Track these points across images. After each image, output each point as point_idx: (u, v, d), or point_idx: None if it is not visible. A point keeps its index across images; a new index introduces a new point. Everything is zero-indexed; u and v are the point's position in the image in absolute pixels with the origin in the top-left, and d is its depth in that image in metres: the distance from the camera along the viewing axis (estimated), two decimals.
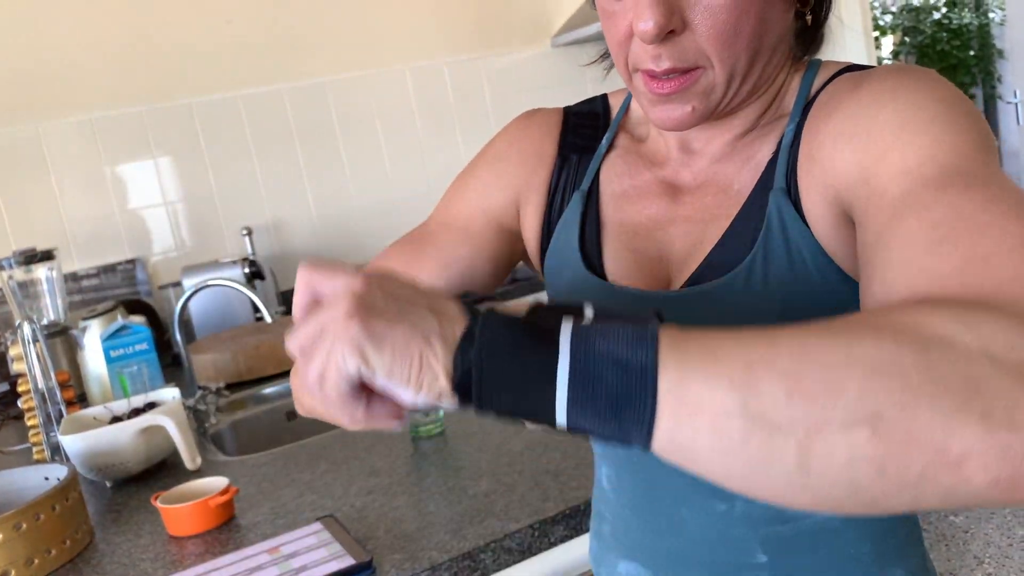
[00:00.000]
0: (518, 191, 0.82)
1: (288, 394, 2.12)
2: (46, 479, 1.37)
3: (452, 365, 0.43)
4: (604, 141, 0.82)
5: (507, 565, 1.06)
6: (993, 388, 0.38)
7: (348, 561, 1.04)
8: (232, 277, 2.51)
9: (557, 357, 0.42)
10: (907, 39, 6.62)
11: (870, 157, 0.58)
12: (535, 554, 1.07)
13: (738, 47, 0.64)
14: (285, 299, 2.99)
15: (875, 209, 0.56)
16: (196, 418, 1.86)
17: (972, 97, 6.52)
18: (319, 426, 1.98)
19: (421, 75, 3.30)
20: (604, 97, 0.87)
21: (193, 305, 2.60)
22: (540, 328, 0.43)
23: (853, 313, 0.44)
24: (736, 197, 0.71)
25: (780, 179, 0.67)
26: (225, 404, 1.99)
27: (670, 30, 0.63)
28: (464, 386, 0.43)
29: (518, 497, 1.16)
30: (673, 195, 0.76)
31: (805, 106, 0.69)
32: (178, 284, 2.64)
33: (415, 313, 0.44)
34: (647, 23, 0.62)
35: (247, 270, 2.58)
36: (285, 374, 2.19)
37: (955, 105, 0.58)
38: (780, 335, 0.41)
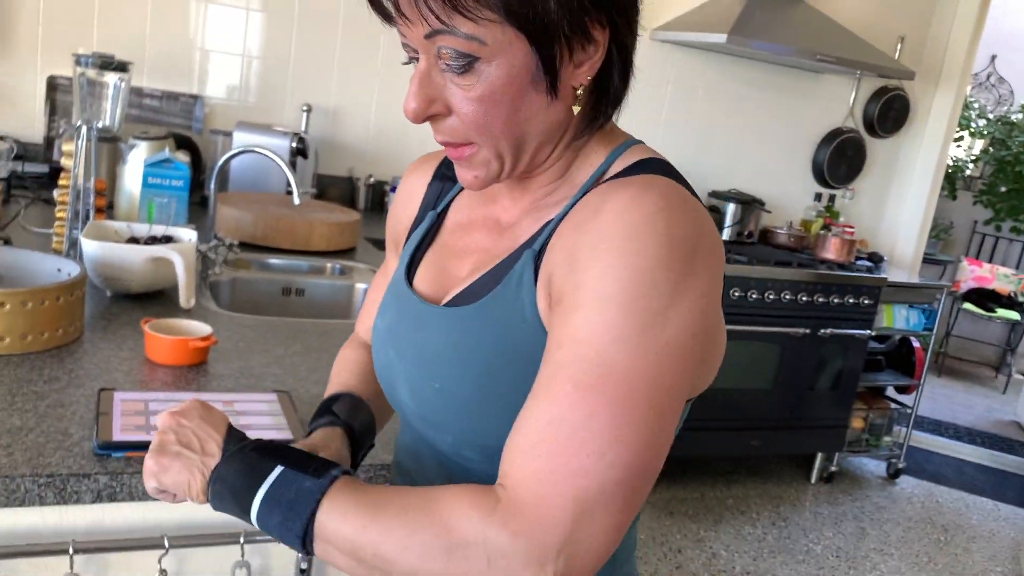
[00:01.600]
0: (400, 222, 1.02)
1: (289, 271, 2.26)
2: (59, 271, 1.52)
3: (205, 487, 0.78)
4: None
5: None
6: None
7: (287, 436, 1.18)
8: (279, 147, 2.64)
9: (256, 492, 0.74)
10: (991, 149, 6.60)
11: (568, 304, 0.71)
12: None
13: (495, 132, 0.75)
14: (320, 182, 3.12)
15: (548, 348, 0.71)
16: (203, 263, 2.00)
17: None
18: (307, 311, 2.12)
19: None
20: None
21: (236, 160, 2.73)
22: (255, 470, 0.76)
23: (434, 511, 0.68)
24: (514, 244, 0.84)
25: (539, 243, 0.79)
26: (233, 259, 2.14)
27: (435, 113, 0.76)
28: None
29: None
30: (493, 231, 0.88)
31: (590, 187, 0.79)
32: (228, 134, 2.77)
33: (187, 455, 0.79)
34: (407, 106, 0.75)
35: (295, 145, 2.70)
36: (295, 252, 2.33)
37: (664, 300, 0.68)
38: (381, 518, 0.69)
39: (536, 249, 0.79)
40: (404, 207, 1.01)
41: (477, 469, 0.83)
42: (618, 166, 0.81)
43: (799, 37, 3.55)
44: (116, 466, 1.05)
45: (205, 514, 1.12)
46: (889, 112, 4.30)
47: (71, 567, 1.03)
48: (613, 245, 0.69)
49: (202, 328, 1.46)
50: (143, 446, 1.09)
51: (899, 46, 4.20)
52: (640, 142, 0.85)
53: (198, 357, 1.42)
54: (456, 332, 0.81)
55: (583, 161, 0.83)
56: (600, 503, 0.65)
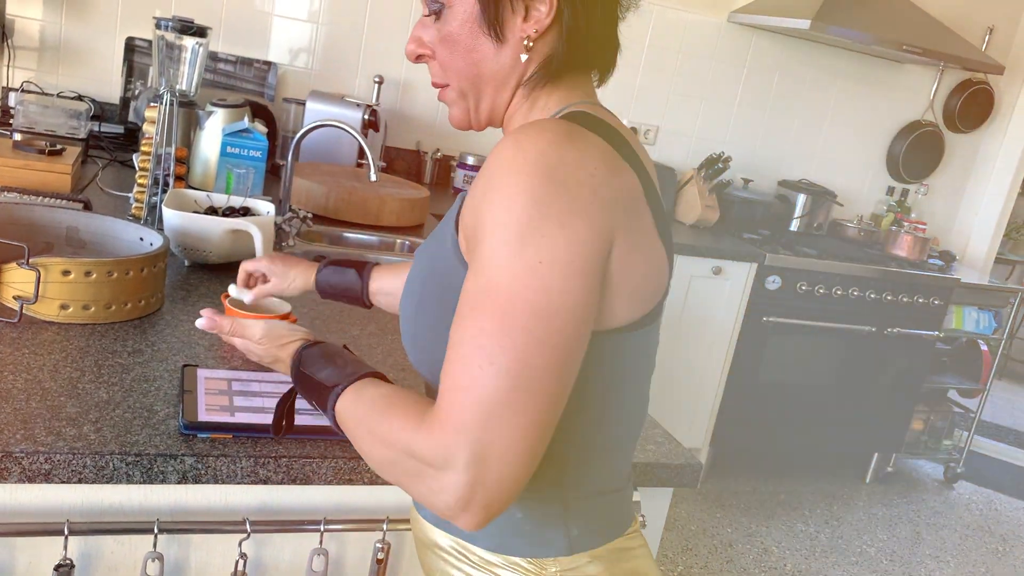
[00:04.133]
0: None
1: (360, 246, 2.25)
2: (141, 239, 1.52)
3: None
4: None
5: None
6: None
7: None
8: (352, 119, 2.62)
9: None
10: None
11: (472, 242, 0.81)
12: None
13: (457, 71, 0.90)
14: (387, 154, 3.10)
15: (465, 283, 0.79)
16: (277, 235, 2.00)
17: None
18: None
19: None
20: None
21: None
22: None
23: (398, 399, 0.83)
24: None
25: (470, 190, 0.87)
26: (305, 232, 2.13)
27: (425, 54, 0.92)
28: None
29: None
30: None
31: None
32: (302, 103, 2.76)
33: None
34: (407, 46, 0.93)
35: (367, 117, 2.69)
36: (365, 226, 2.32)
37: (533, 223, 0.75)
38: (370, 403, 0.85)
39: (464, 195, 0.87)
40: None
41: (432, 380, 0.92)
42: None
43: (884, 25, 3.42)
44: (202, 448, 1.04)
45: (286, 498, 1.12)
46: (972, 106, 4.15)
47: (154, 546, 1.04)
48: (491, 182, 0.78)
49: (281, 305, 1.45)
50: (228, 428, 1.08)
51: (987, 37, 4.04)
52: (597, 104, 0.91)
53: None
54: (413, 266, 0.95)
55: (526, 115, 0.92)
56: (497, 407, 0.73)
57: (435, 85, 0.94)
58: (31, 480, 0.97)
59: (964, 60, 3.55)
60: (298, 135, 2.00)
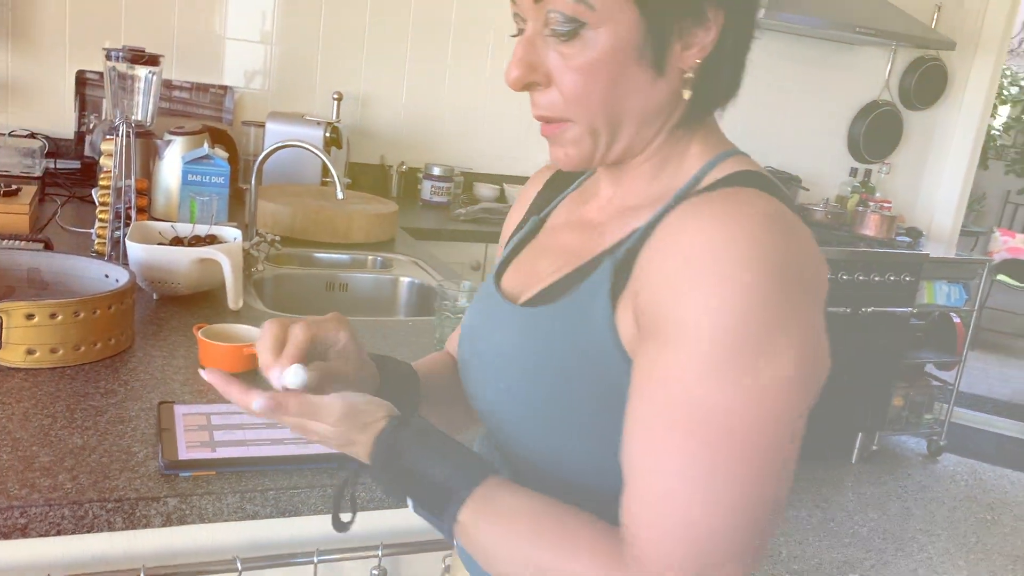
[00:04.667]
0: (509, 231, 1.00)
1: (331, 265, 2.22)
2: (106, 276, 1.48)
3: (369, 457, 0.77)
4: (577, 181, 0.93)
5: None
6: None
7: None
8: (313, 137, 2.59)
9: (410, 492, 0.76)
10: (1023, 117, 6.47)
11: (660, 337, 0.66)
12: None
13: (592, 105, 0.73)
14: (352, 171, 3.07)
15: (639, 382, 0.68)
16: (244, 260, 1.96)
17: None
18: (351, 307, 2.08)
19: None
20: None
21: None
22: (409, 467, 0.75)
23: (565, 521, 0.70)
24: (598, 247, 0.79)
25: (621, 251, 0.74)
26: (274, 255, 2.09)
27: (535, 82, 0.74)
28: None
29: None
30: (583, 230, 0.84)
31: (682, 195, 0.74)
32: (261, 125, 2.72)
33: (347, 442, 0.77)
34: (510, 72, 0.74)
35: (328, 134, 2.65)
36: (334, 245, 2.28)
37: (769, 337, 0.63)
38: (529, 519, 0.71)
39: (618, 257, 0.74)
40: (514, 213, 1.01)
41: (544, 471, 0.81)
42: (715, 175, 0.75)
43: (834, 9, 3.45)
44: (185, 487, 1.01)
45: (277, 532, 1.09)
46: (926, 83, 4.20)
47: None
48: (708, 276, 0.64)
49: (256, 333, 1.42)
50: (211, 464, 1.05)
51: (935, 15, 4.09)
52: (741, 152, 0.79)
53: (253, 364, 1.37)
54: (528, 332, 0.79)
55: (679, 163, 0.78)
56: (715, 546, 0.64)
57: (544, 119, 0.76)
58: (6, 536, 0.93)
59: (915, 38, 3.59)
60: (260, 158, 1.97)
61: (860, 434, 3.94)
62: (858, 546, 3.21)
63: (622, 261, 0.73)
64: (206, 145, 2.00)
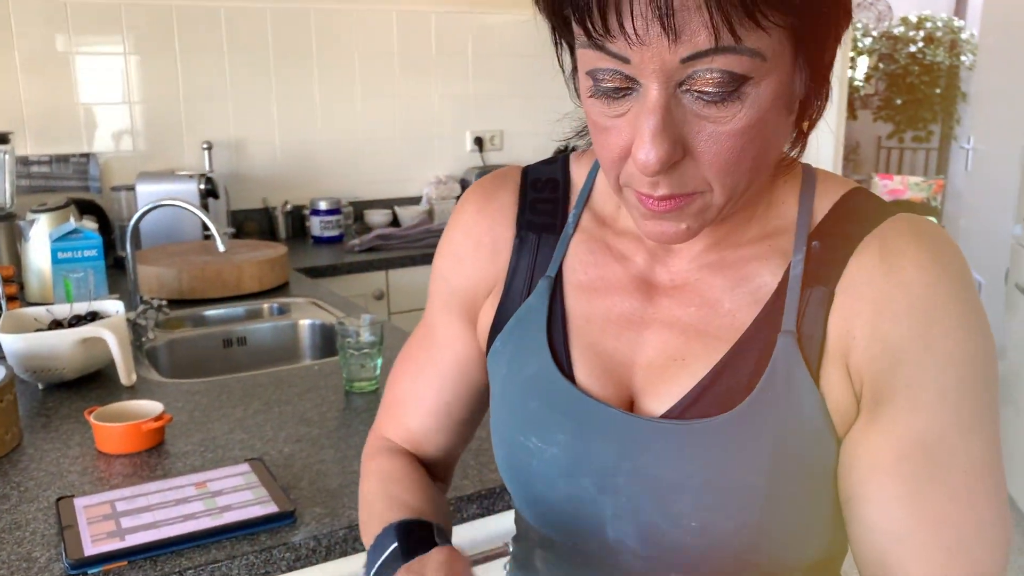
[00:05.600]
0: (478, 284, 0.79)
1: (226, 320, 2.15)
2: None
3: None
4: (570, 220, 0.76)
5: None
6: None
7: (271, 508, 1.10)
8: (187, 192, 2.51)
9: None
10: (881, 65, 6.77)
11: (900, 404, 0.61)
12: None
13: (740, 172, 0.59)
14: (235, 219, 2.99)
15: (887, 455, 0.61)
16: (134, 331, 1.88)
17: (930, 134, 6.72)
18: (253, 359, 2.02)
19: (408, 19, 3.29)
20: (565, 160, 0.80)
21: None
22: None
23: None
24: (728, 320, 0.66)
25: (790, 321, 0.63)
26: (164, 321, 2.02)
27: (673, 161, 0.58)
28: None
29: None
30: (647, 293, 0.70)
31: (810, 236, 0.66)
32: (131, 188, 2.62)
33: None
34: (648, 156, 0.56)
35: (203, 186, 2.58)
36: (227, 299, 2.22)
37: (993, 367, 0.62)
38: None
39: (793, 330, 0.63)
40: (478, 262, 0.78)
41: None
42: (823, 203, 0.67)
43: None
44: None
45: None
46: None
47: None
48: (944, 328, 0.60)
49: (152, 407, 1.36)
50: (120, 554, 1.00)
51: None
52: (807, 164, 0.70)
53: (154, 439, 1.32)
54: (713, 454, 0.64)
55: (768, 200, 0.68)
56: None
57: (671, 199, 0.60)
58: None
59: None
60: (131, 223, 1.90)
61: None
62: None
63: (801, 331, 0.63)
64: (72, 219, 1.91)
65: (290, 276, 2.47)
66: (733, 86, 0.55)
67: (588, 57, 0.58)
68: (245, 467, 1.22)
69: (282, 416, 1.44)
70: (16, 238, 2.18)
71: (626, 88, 0.57)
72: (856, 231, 0.64)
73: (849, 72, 6.64)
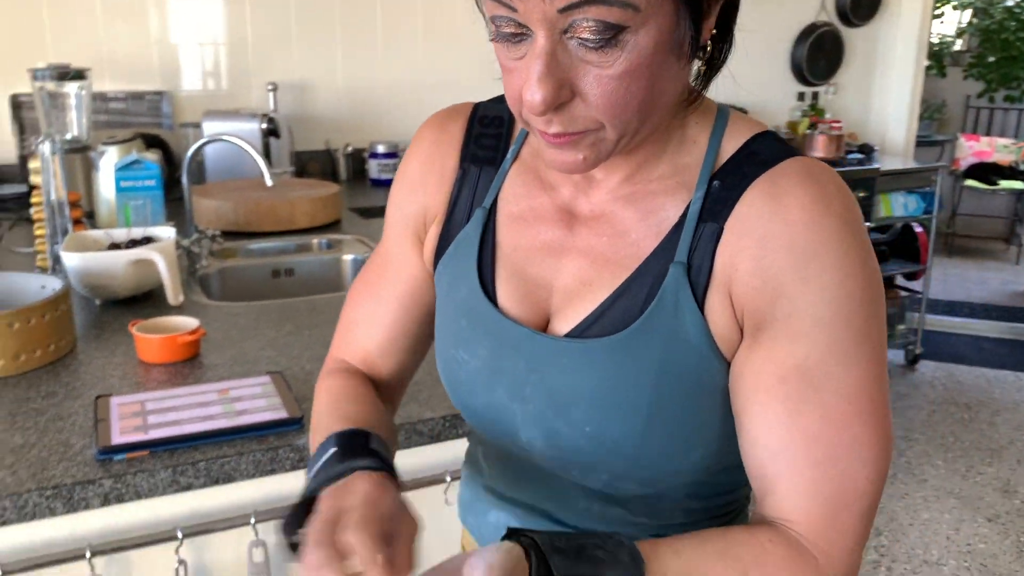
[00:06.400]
0: (426, 211, 0.85)
1: (276, 253, 2.28)
2: (43, 287, 1.54)
3: None
4: (509, 155, 0.81)
5: (416, 445, 1.23)
6: None
7: (282, 414, 1.21)
8: (249, 131, 2.63)
9: None
10: (975, 20, 6.48)
11: (780, 332, 0.66)
12: (440, 441, 1.24)
13: (629, 112, 0.64)
14: (299, 159, 3.11)
15: (768, 377, 0.66)
16: (188, 258, 2.02)
17: (1022, 95, 6.42)
18: (299, 290, 2.14)
19: None
20: None
21: (209, 150, 2.73)
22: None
23: (746, 551, 0.65)
24: (633, 249, 0.72)
25: (683, 253, 0.69)
26: (218, 250, 2.15)
27: (562, 100, 0.63)
28: None
29: (440, 391, 1.31)
30: (568, 223, 0.76)
31: (712, 175, 0.70)
32: (198, 125, 2.76)
33: None
34: (533, 97, 0.62)
35: (264, 126, 2.70)
36: (279, 233, 2.34)
37: (874, 303, 0.66)
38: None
39: (684, 262, 0.69)
40: (427, 188, 0.85)
41: (632, 498, 0.78)
42: (730, 144, 0.71)
43: None
44: (119, 469, 1.08)
45: (214, 502, 1.16)
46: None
47: (92, 570, 1.07)
48: (822, 263, 0.64)
49: (190, 322, 1.48)
50: (143, 445, 1.12)
51: None
52: (721, 103, 0.75)
53: (189, 351, 1.44)
54: (606, 369, 0.71)
55: (681, 135, 0.73)
56: (874, 509, 0.68)
57: (565, 135, 0.65)
58: None
59: None
60: (188, 155, 2.02)
61: None
62: None
63: (691, 262, 0.69)
64: (135, 151, 2.05)
65: (344, 215, 2.58)
66: (609, 34, 0.60)
67: (489, 5, 0.64)
68: (266, 379, 1.34)
69: (310, 338, 1.55)
70: (91, 170, 2.34)
71: (520, 33, 0.63)
72: (752, 172, 0.69)
73: (937, 26, 6.38)
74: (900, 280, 4.34)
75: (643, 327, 0.69)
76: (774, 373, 0.66)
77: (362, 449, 0.72)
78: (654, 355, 0.69)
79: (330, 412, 0.81)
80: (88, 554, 1.06)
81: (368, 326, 0.91)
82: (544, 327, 0.76)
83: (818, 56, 4.20)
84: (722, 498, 0.78)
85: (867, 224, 3.77)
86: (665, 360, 0.69)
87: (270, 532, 1.19)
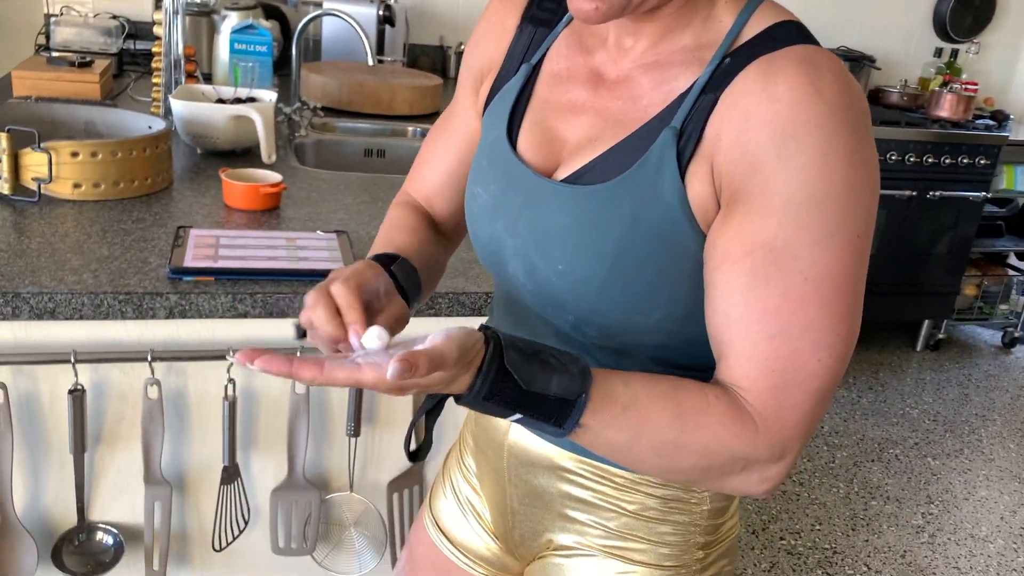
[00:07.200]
0: (486, 65, 0.92)
1: (371, 133, 2.37)
2: (149, 127, 1.67)
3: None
4: (564, 20, 0.86)
5: (457, 315, 1.31)
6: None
7: (339, 264, 1.30)
8: (365, 14, 2.71)
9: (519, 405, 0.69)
10: None
11: (754, 208, 0.68)
12: (480, 316, 1.31)
13: None
14: (411, 51, 3.18)
15: (736, 248, 0.69)
16: (289, 126, 2.13)
17: None
18: (388, 168, 2.23)
19: None
20: None
21: (327, 31, 2.82)
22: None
23: (690, 398, 0.71)
24: (641, 114, 0.76)
25: (678, 119, 0.72)
26: (318, 123, 2.26)
27: None
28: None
29: (485, 271, 1.38)
30: (595, 85, 0.81)
31: (726, 53, 0.72)
32: (319, 3, 2.85)
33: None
34: None
35: (381, 12, 2.77)
36: (377, 116, 2.43)
37: (856, 194, 0.67)
38: (645, 400, 0.70)
39: (677, 127, 0.72)
40: (489, 44, 0.92)
41: (596, 345, 0.83)
42: (753, 27, 0.73)
43: None
44: (185, 287, 1.19)
45: (265, 332, 1.27)
46: None
47: (152, 373, 1.20)
48: (801, 145, 0.66)
49: (274, 176, 1.58)
50: (210, 272, 1.23)
51: None
52: None
53: (270, 202, 1.55)
54: (584, 213, 0.76)
55: (708, 12, 0.75)
56: (825, 395, 0.71)
57: None
58: (39, 317, 1.14)
59: None
60: (300, 25, 2.11)
61: (926, 322, 3.90)
62: (904, 426, 3.25)
63: (684, 129, 0.72)
64: (252, 17, 2.15)
65: (443, 108, 2.65)
66: None
67: None
68: (332, 236, 1.43)
69: (382, 208, 1.64)
70: (213, 32, 2.47)
71: None
72: (761, 51, 0.70)
73: None
74: (1012, 259, 4.15)
75: (625, 181, 0.74)
76: (742, 246, 0.69)
77: (388, 263, 0.83)
78: (628, 209, 0.73)
79: (381, 237, 0.94)
80: (149, 357, 1.19)
81: (429, 167, 1.00)
82: (551, 176, 0.82)
83: (964, 11, 3.97)
84: (688, 374, 0.82)
85: (980, 194, 3.61)
86: (638, 215, 0.73)
87: None
